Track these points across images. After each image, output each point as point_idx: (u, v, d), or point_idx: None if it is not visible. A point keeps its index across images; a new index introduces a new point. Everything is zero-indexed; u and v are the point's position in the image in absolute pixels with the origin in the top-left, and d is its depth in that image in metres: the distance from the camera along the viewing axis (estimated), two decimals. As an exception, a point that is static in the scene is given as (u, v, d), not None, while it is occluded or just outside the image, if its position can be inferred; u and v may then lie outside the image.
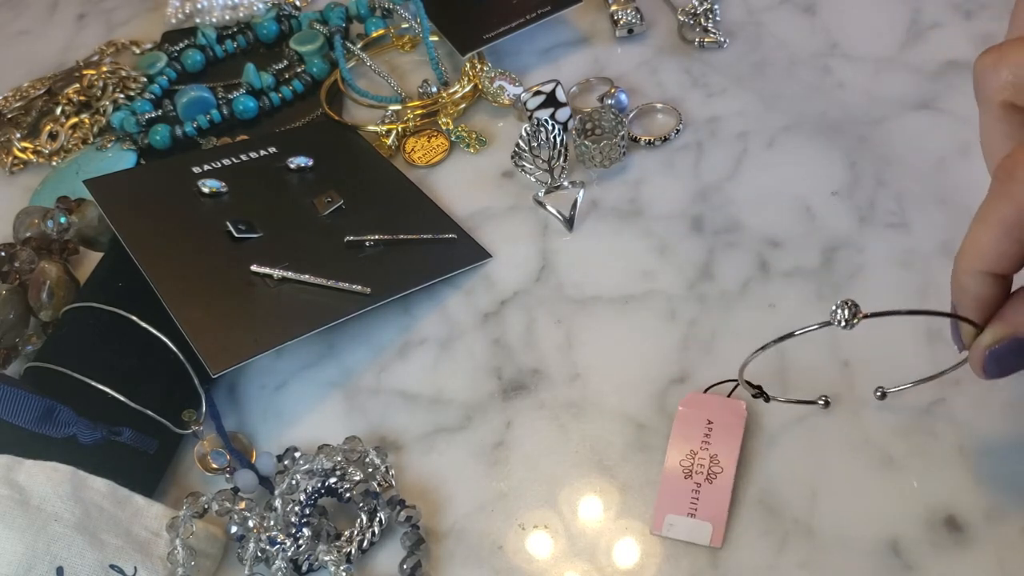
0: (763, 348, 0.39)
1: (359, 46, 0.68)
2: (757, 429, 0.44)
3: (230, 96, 0.66)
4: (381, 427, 0.48)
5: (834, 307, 0.36)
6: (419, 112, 0.62)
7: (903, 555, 0.39)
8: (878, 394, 0.44)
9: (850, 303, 0.35)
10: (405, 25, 0.68)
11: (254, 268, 0.51)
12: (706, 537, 0.41)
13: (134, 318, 0.49)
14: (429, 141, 0.61)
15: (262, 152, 0.61)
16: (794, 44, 0.61)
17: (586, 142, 0.56)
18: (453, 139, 0.61)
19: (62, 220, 0.56)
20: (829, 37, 0.61)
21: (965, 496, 0.40)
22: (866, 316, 0.35)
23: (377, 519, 0.44)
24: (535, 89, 0.59)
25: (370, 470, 0.45)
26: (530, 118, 0.57)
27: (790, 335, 0.38)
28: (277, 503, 0.44)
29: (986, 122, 0.37)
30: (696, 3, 0.63)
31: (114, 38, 0.75)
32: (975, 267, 0.35)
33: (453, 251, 0.54)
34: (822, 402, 0.44)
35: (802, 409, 0.44)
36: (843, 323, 0.36)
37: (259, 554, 0.43)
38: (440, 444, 0.47)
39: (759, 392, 0.44)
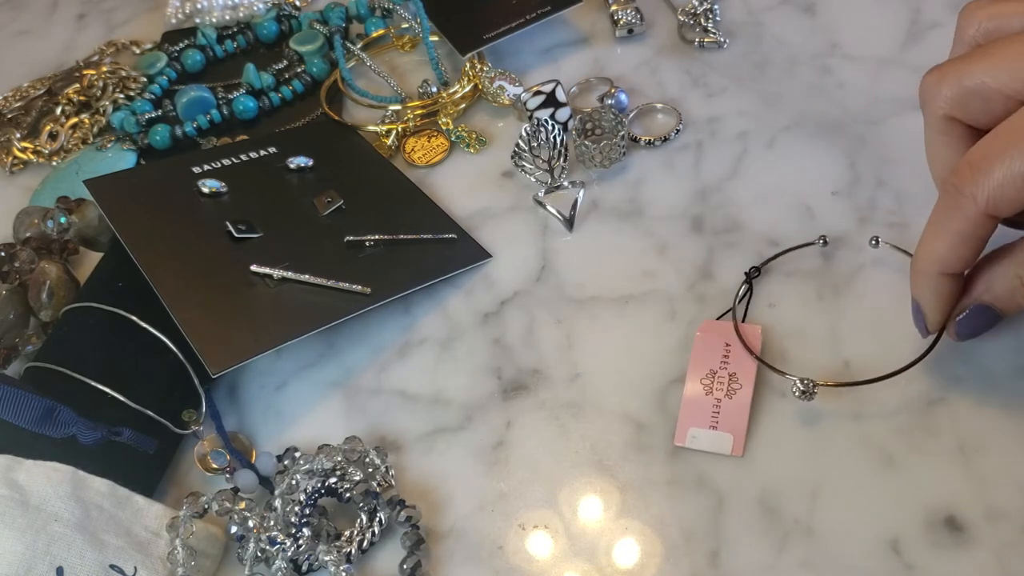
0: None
1: (359, 46, 0.68)
2: (757, 430, 0.44)
3: (230, 96, 0.66)
4: (381, 427, 0.48)
5: (794, 389, 0.43)
6: (419, 112, 0.62)
7: (903, 555, 0.39)
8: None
9: (807, 382, 0.43)
10: (405, 25, 0.68)
11: (254, 268, 0.51)
12: (727, 447, 0.43)
13: (134, 318, 0.49)
14: (429, 141, 0.61)
15: (262, 152, 0.61)
16: (794, 44, 0.61)
17: (586, 142, 0.56)
18: (453, 139, 0.61)
19: (62, 220, 0.56)
20: (829, 37, 0.61)
21: (965, 496, 0.40)
22: (824, 384, 0.43)
23: (377, 519, 0.44)
24: (535, 89, 0.58)
25: (370, 470, 0.45)
26: (530, 118, 0.57)
27: None
28: (277, 503, 0.44)
29: (930, 134, 0.42)
30: (696, 3, 0.63)
31: (114, 38, 0.75)
32: (934, 270, 0.40)
33: (453, 251, 0.54)
34: (821, 242, 0.49)
35: (803, 409, 0.44)
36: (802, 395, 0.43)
37: (259, 554, 0.43)
38: (440, 444, 0.47)
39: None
